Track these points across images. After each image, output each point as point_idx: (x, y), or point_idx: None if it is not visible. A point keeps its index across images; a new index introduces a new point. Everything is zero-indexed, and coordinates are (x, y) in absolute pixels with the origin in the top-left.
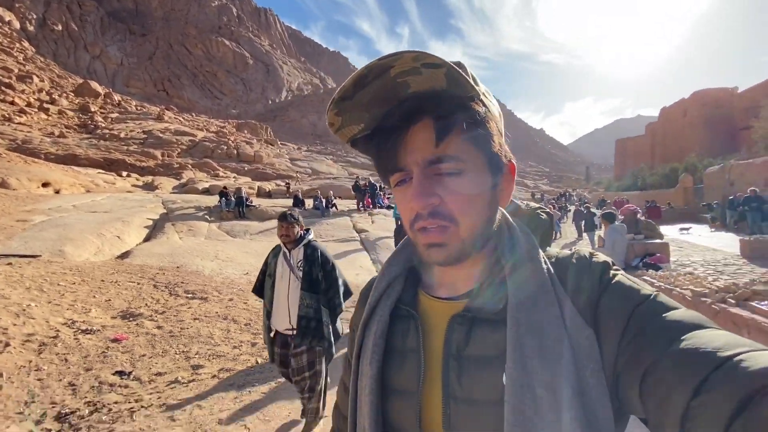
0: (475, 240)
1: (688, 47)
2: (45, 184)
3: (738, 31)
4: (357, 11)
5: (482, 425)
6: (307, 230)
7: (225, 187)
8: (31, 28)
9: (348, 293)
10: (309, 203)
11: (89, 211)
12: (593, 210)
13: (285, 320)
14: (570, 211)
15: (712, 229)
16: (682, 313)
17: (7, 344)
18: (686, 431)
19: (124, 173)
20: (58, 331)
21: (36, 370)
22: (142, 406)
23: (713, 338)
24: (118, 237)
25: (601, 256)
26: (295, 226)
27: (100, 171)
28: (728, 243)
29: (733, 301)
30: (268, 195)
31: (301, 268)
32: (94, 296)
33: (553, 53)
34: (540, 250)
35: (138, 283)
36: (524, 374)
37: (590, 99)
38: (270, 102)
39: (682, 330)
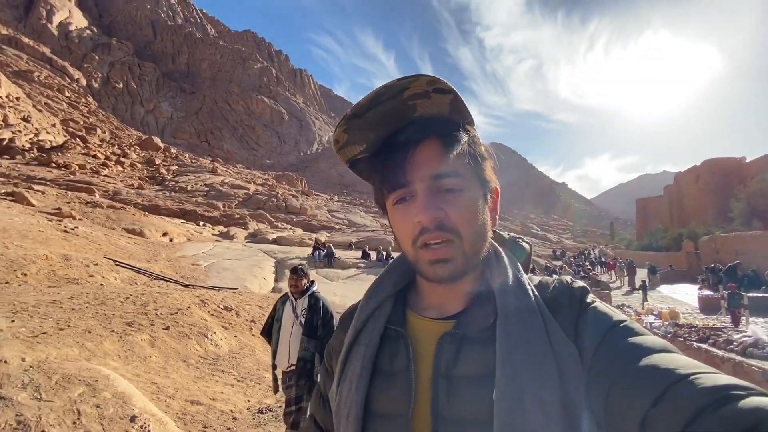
0: (476, 254)
1: (707, 106)
2: (164, 234)
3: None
4: (377, 74)
5: None
6: (312, 282)
7: (317, 241)
8: (96, 85)
9: None
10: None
11: (224, 258)
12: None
13: (286, 359)
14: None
15: (700, 290)
16: (649, 338)
17: None
18: None
19: (201, 223)
20: None
21: None
22: None
23: (674, 360)
24: (264, 278)
25: (580, 282)
26: (303, 279)
27: (183, 221)
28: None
29: None
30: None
31: (304, 316)
32: None
33: (565, 112)
34: (524, 273)
35: None
36: (514, 387)
37: (608, 155)
38: (302, 154)
39: (647, 351)
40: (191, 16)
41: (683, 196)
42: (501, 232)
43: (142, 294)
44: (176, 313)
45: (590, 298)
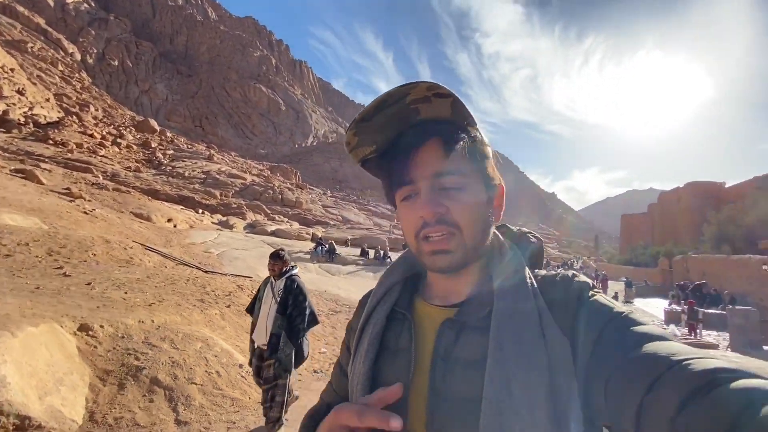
0: (476, 247)
1: (696, 128)
2: (169, 220)
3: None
4: (374, 72)
5: (461, 420)
6: (293, 266)
7: (320, 237)
8: (90, 61)
9: (313, 321)
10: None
11: (232, 248)
12: None
13: (263, 336)
14: None
15: (670, 305)
16: (647, 328)
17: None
18: (640, 424)
19: (200, 210)
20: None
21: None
22: None
23: (670, 347)
24: None
25: (583, 277)
26: (280, 263)
27: (182, 207)
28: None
29: None
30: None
31: (279, 295)
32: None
33: (557, 124)
34: (526, 267)
35: (317, 296)
36: (503, 373)
37: (597, 168)
38: (296, 146)
39: (644, 340)
40: None
41: (665, 216)
42: (511, 228)
43: (196, 278)
44: (229, 294)
45: (591, 291)
